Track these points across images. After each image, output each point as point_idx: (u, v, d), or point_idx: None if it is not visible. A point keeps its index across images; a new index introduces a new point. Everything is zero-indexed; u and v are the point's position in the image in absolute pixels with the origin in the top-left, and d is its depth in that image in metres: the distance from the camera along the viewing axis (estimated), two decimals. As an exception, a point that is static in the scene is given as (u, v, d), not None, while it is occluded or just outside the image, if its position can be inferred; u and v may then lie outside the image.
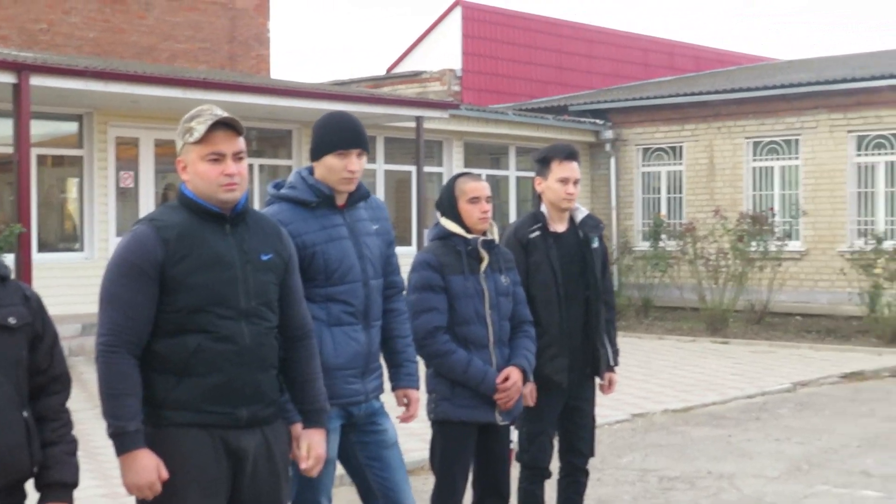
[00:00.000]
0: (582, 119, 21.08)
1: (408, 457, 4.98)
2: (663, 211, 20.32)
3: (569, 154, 5.26)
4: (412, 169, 17.90)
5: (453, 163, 19.31)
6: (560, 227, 5.31)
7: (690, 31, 53.74)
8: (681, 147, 20.51)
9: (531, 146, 20.85)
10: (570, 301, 5.23)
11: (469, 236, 4.84)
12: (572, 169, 5.23)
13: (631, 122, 21.06)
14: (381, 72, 24.60)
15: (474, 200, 4.82)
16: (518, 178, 20.40)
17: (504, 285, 4.89)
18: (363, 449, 4.35)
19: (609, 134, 20.99)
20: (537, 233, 5.23)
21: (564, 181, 5.20)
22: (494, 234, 4.93)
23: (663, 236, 18.89)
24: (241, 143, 3.60)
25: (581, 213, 5.38)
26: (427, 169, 17.86)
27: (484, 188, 4.86)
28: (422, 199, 17.21)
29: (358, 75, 23.71)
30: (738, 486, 7.45)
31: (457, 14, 23.11)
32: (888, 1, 58.14)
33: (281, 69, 53.85)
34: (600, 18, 56.96)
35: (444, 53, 22.81)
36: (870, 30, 58.45)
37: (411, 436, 7.11)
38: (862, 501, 7.04)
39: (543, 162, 5.27)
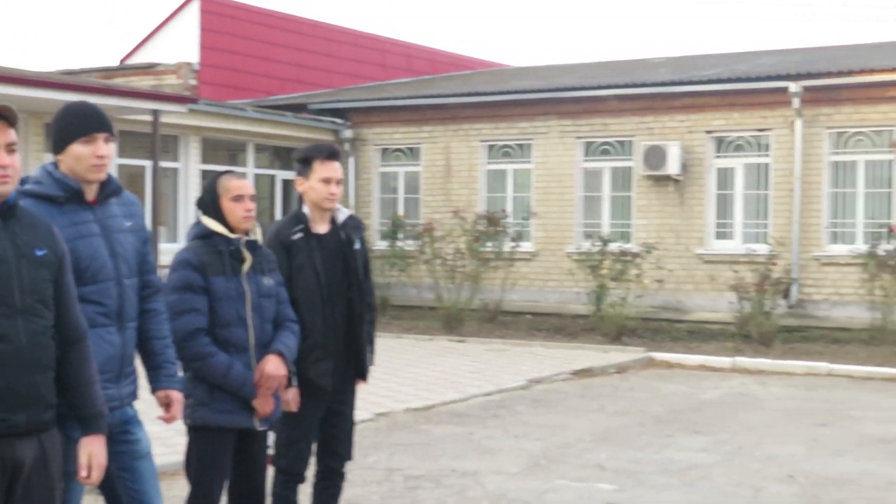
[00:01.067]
0: (321, 118, 21.05)
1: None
2: (401, 211, 20.56)
3: (331, 154, 5.22)
4: (147, 164, 17.36)
5: (190, 158, 18.87)
6: (322, 228, 5.26)
7: (427, 35, 55.03)
8: (418, 148, 20.82)
9: (270, 143, 20.69)
10: (334, 303, 5.20)
11: (232, 236, 4.72)
12: (334, 169, 5.20)
13: (370, 122, 21.21)
14: (115, 62, 23.72)
15: (238, 199, 4.72)
16: (256, 176, 20.14)
17: (266, 287, 4.80)
18: (114, 460, 4.13)
19: (348, 133, 21.06)
20: (300, 234, 5.16)
21: (327, 181, 5.16)
22: (258, 235, 4.83)
23: (400, 235, 19.13)
24: (12, 134, 3.42)
25: (343, 213, 5.36)
26: (162, 164, 17.36)
27: (248, 186, 4.77)
28: (157, 195, 16.73)
29: (89, 65, 22.74)
30: (482, 482, 7.61)
31: (195, 6, 22.58)
32: (612, 14, 61.14)
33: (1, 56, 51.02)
34: (340, 18, 57.04)
35: (181, 46, 22.23)
36: (597, 40, 61.22)
37: (155, 440, 6.86)
38: (598, 494, 7.34)
39: (305, 162, 5.20)
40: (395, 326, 17.53)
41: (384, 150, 21.25)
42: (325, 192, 5.16)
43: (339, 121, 21.12)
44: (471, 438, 9.14)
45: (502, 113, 19.97)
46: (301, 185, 5.23)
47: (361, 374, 5.40)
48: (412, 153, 20.98)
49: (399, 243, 18.92)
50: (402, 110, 20.91)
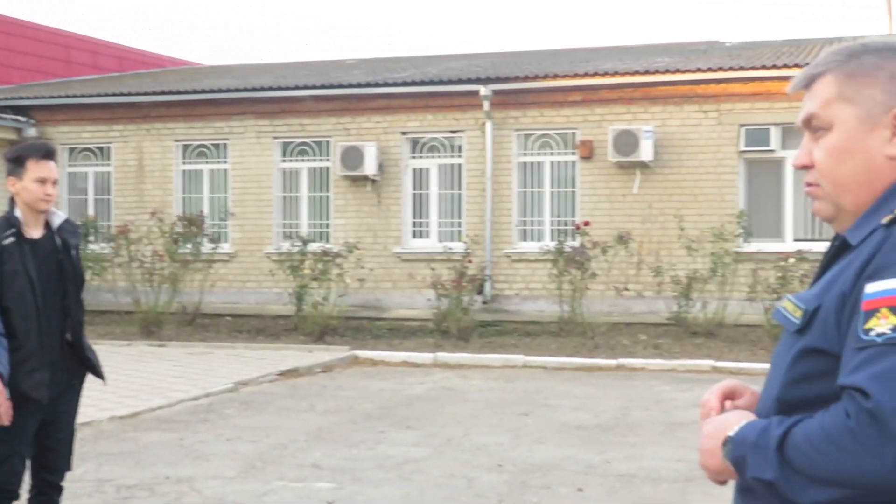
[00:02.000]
0: (2, 115, 19.91)
1: None
2: (91, 212, 19.77)
3: (46, 153, 4.97)
4: None
5: None
6: (36, 232, 5.00)
7: (113, 31, 53.02)
8: (109, 148, 20.12)
9: (-54, 141, 19.36)
10: (49, 311, 4.96)
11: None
12: (50, 168, 4.95)
13: (55, 120, 20.27)
14: None
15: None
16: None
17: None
18: None
19: (32, 132, 20.03)
20: (11, 239, 4.88)
21: (42, 181, 4.91)
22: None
23: (92, 238, 18.39)
24: None
25: (58, 217, 5.11)
26: None
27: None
28: None
29: None
30: (199, 488, 7.47)
31: None
32: (301, 14, 61.21)
33: None
34: (20, 11, 54.20)
35: None
36: (290, 39, 61.15)
37: None
38: (317, 493, 7.36)
39: (17, 161, 4.93)
40: (91, 332, 16.43)
41: (72, 150, 20.38)
42: (40, 193, 4.91)
43: (22, 119, 20.06)
44: (182, 444, 8.94)
45: (197, 112, 19.60)
46: (13, 186, 4.95)
47: (80, 381, 5.22)
48: (102, 153, 20.23)
49: (92, 246, 18.18)
50: (90, 108, 20.12)
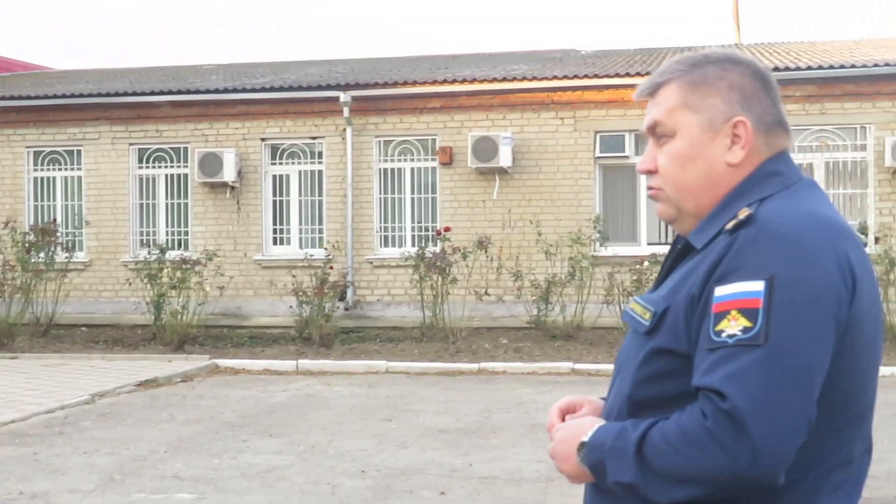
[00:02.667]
0: None
1: None
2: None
3: None
4: None
5: None
6: None
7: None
8: (-45, 154, 19.45)
9: None
10: None
11: None
12: None
13: None
14: None
15: None
16: None
17: None
18: None
19: None
20: None
21: None
22: None
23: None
24: None
25: None
26: None
27: None
28: None
29: None
30: (55, 503, 7.29)
31: None
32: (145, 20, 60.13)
33: None
34: None
35: None
36: (145, 43, 59.95)
37: None
38: (178, 504, 7.28)
39: None
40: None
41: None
42: None
43: None
44: (36, 458, 8.71)
45: (49, 118, 19.10)
46: None
47: None
48: (-51, 160, 19.55)
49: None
50: (-65, 113, 19.41)
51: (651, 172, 2.06)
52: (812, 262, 1.80)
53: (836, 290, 1.81)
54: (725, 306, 1.80)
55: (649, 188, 2.08)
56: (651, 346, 1.92)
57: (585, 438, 1.92)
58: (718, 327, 1.79)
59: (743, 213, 1.88)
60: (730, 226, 1.89)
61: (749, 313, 1.77)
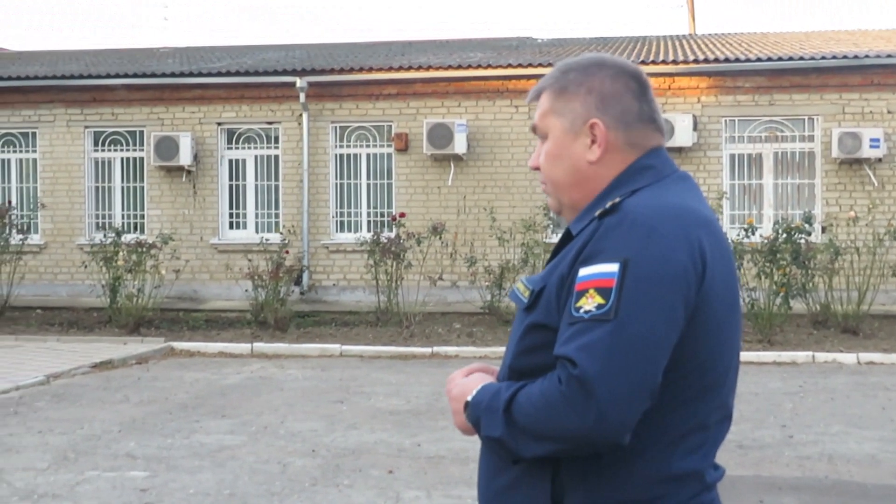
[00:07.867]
0: None
1: None
2: None
3: None
4: None
5: None
6: None
7: None
8: None
9: None
10: None
11: None
12: None
13: None
14: None
15: None
16: None
17: None
18: None
19: None
20: None
21: None
22: None
23: None
24: None
25: None
26: None
27: None
28: None
29: None
30: (9, 480, 7.42)
31: None
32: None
33: None
34: None
35: None
36: (103, 28, 59.49)
37: None
38: (131, 481, 7.41)
39: None
40: None
41: None
42: None
43: None
44: (-10, 438, 8.82)
45: (3, 100, 19.06)
46: None
47: None
48: None
49: None
50: None
51: (537, 169, 2.30)
52: (664, 247, 2.01)
53: (685, 272, 2.01)
54: (585, 285, 2.01)
55: (542, 182, 2.30)
56: (529, 321, 2.14)
57: (469, 398, 2.14)
58: (578, 304, 2.00)
59: (610, 203, 2.09)
60: (598, 213, 2.10)
61: (604, 292, 1.98)
